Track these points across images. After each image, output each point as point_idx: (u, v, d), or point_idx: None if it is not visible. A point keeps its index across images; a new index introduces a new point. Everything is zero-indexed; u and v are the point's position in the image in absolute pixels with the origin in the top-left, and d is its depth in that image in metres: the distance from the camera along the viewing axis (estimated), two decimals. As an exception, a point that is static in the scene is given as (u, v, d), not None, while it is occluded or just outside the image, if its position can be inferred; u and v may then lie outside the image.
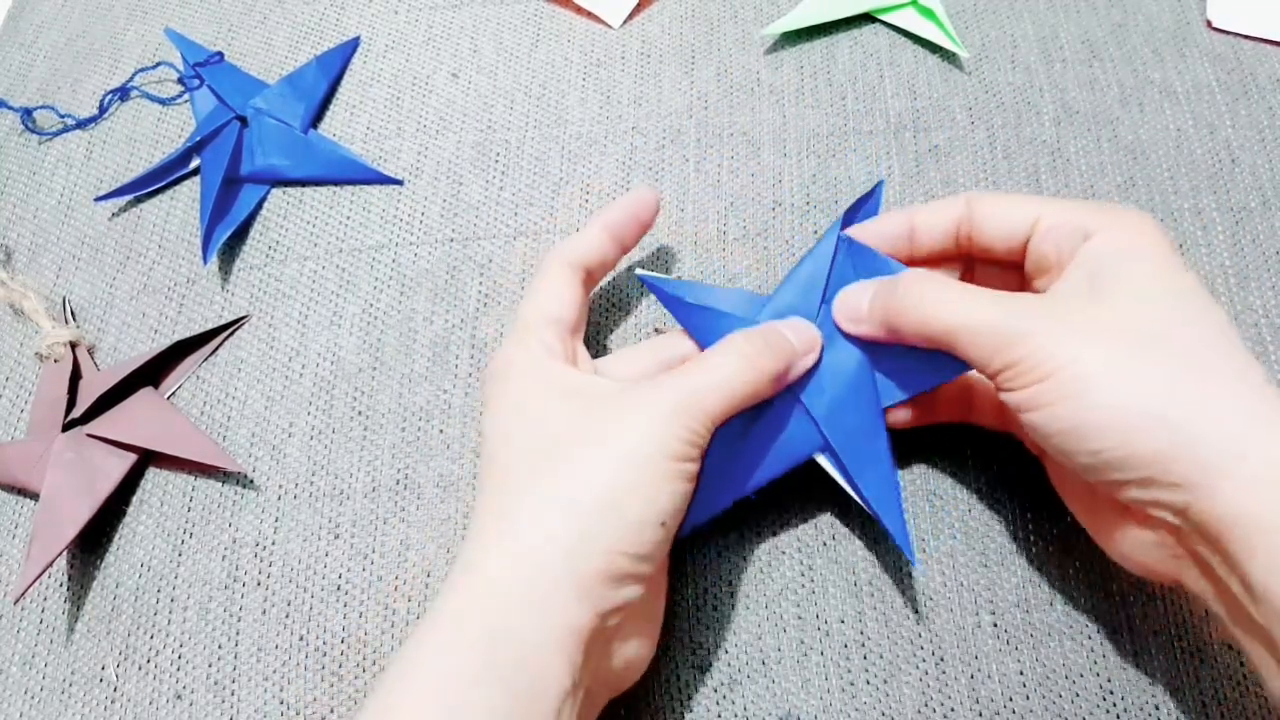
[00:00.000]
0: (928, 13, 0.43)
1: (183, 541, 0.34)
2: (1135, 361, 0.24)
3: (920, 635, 0.31)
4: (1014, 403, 0.25)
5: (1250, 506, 0.22)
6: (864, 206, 0.33)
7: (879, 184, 0.34)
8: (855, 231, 0.32)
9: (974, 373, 0.28)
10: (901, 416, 0.31)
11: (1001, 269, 0.31)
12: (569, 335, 0.30)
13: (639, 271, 0.33)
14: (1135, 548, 0.26)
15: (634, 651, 0.27)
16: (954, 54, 0.42)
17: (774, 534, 0.33)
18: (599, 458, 0.26)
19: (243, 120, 0.42)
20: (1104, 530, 0.27)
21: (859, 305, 0.30)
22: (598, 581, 0.25)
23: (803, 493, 0.33)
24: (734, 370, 0.28)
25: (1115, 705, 0.29)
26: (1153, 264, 0.26)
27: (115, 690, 0.32)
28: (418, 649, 0.24)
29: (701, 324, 0.31)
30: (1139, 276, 0.26)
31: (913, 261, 0.31)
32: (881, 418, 0.30)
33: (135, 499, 0.35)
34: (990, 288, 0.29)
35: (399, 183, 0.41)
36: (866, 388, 0.30)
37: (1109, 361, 0.24)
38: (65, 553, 0.34)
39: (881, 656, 0.31)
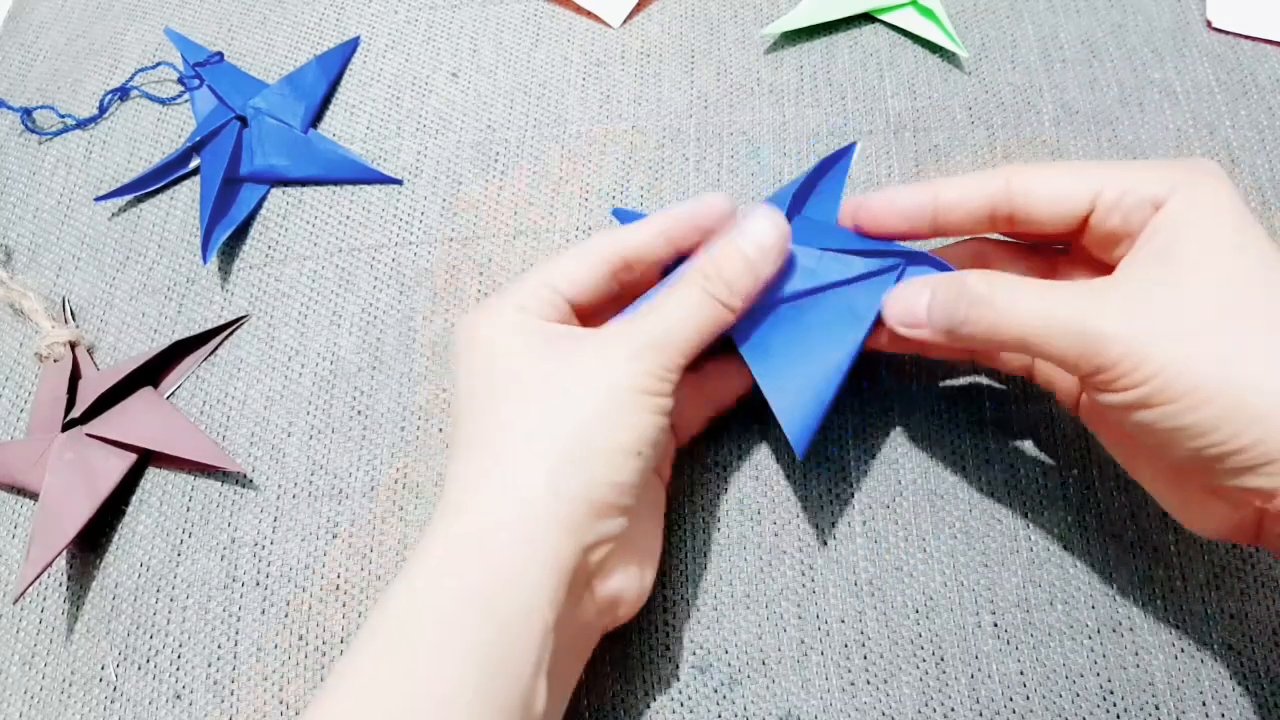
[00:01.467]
0: (928, 13, 0.43)
1: (182, 541, 0.34)
2: (1239, 350, 0.23)
3: (920, 635, 0.31)
4: (1114, 403, 0.24)
5: None
6: (834, 166, 0.32)
7: (851, 146, 0.33)
8: (865, 201, 0.29)
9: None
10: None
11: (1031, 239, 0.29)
12: (562, 304, 0.28)
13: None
14: (1220, 523, 0.25)
15: (624, 584, 0.27)
16: (954, 54, 0.42)
17: (774, 534, 0.33)
18: (568, 393, 0.26)
19: (243, 120, 0.42)
20: (1186, 505, 0.26)
21: (916, 308, 0.27)
22: (582, 513, 0.25)
23: (803, 493, 0.33)
24: (697, 309, 0.27)
25: (1115, 705, 0.29)
26: (1229, 232, 0.24)
27: (115, 690, 0.32)
28: (406, 586, 0.25)
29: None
30: (1218, 249, 0.24)
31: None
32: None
33: (135, 499, 0.35)
34: (1013, 256, 0.29)
35: (398, 182, 0.41)
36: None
37: (1212, 356, 0.23)
38: (65, 553, 0.34)
39: (881, 656, 0.31)
